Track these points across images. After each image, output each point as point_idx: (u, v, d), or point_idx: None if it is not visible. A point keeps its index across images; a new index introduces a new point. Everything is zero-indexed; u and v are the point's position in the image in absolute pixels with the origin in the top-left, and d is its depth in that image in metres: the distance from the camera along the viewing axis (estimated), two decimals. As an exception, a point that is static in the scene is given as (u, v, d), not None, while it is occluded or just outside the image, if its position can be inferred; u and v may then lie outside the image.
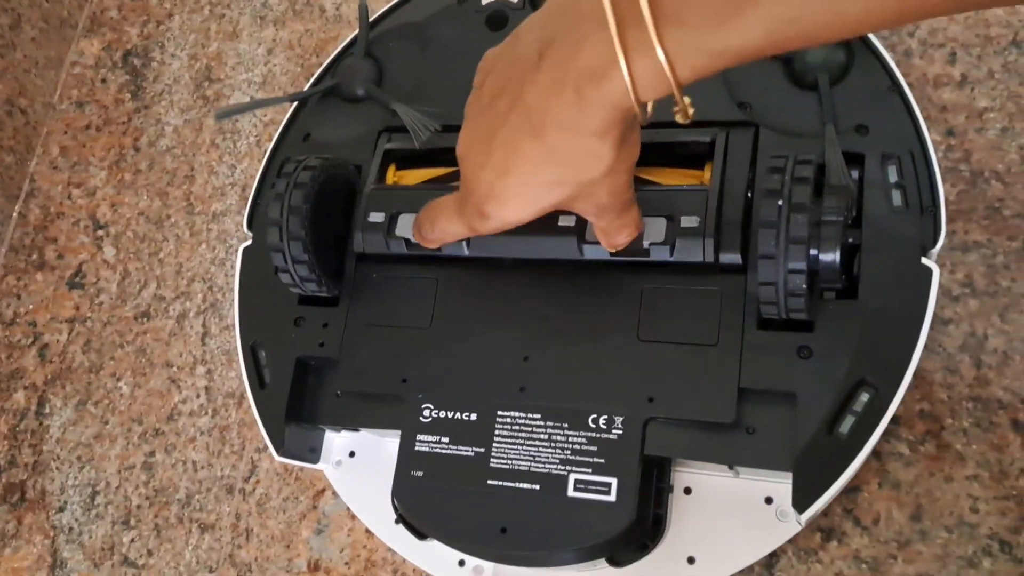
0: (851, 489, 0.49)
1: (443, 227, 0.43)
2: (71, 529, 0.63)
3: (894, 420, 0.49)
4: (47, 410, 0.68)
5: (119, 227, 0.72)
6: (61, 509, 0.64)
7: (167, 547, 0.60)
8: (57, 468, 0.65)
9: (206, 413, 0.63)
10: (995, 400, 0.49)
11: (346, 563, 0.56)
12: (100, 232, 0.73)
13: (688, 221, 0.44)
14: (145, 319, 0.68)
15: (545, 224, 0.43)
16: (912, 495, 0.48)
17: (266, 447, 0.60)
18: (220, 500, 0.60)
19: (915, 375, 0.50)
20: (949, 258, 0.52)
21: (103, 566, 0.61)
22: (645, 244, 0.44)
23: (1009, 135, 0.54)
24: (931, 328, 0.50)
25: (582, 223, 0.46)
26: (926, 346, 0.50)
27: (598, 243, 0.44)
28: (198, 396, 0.64)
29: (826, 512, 0.49)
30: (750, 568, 0.48)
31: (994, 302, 0.50)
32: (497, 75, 0.37)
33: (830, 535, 0.48)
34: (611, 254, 0.46)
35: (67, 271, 0.72)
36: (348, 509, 0.55)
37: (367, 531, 0.55)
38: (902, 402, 0.49)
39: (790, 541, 0.48)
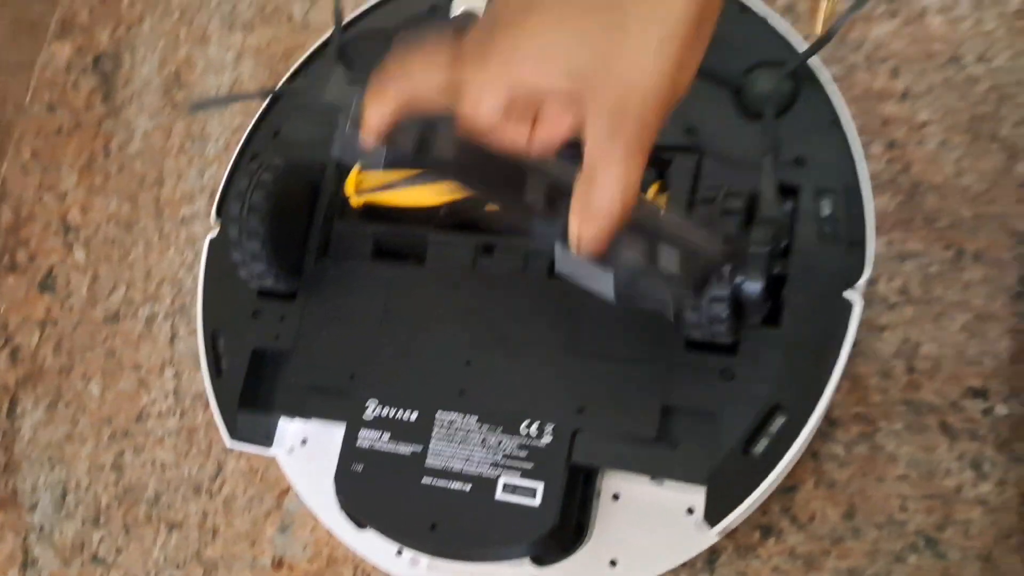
0: (788, 488, 0.51)
1: (416, 71, 0.33)
2: (42, 528, 0.65)
3: (830, 422, 0.52)
4: (18, 411, 0.69)
5: (89, 230, 0.74)
6: (32, 508, 0.66)
7: (136, 545, 0.62)
8: (28, 468, 0.67)
9: (174, 414, 0.65)
10: (926, 404, 0.51)
11: (309, 559, 0.58)
12: (71, 235, 0.74)
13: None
14: (114, 321, 0.70)
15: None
16: (846, 494, 0.50)
17: (233, 448, 0.62)
18: (187, 499, 0.62)
19: (851, 378, 0.52)
20: (887, 267, 0.54)
21: (73, 564, 0.63)
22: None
23: (946, 148, 0.56)
24: (867, 333, 0.53)
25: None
26: (862, 352, 0.53)
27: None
28: (166, 398, 0.66)
29: (764, 510, 0.51)
30: (692, 563, 0.50)
31: (928, 310, 0.53)
32: None
33: (768, 532, 0.51)
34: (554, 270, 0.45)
35: (38, 273, 0.74)
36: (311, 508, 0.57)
37: (330, 531, 0.57)
38: (838, 404, 0.52)
39: (729, 537, 0.51)
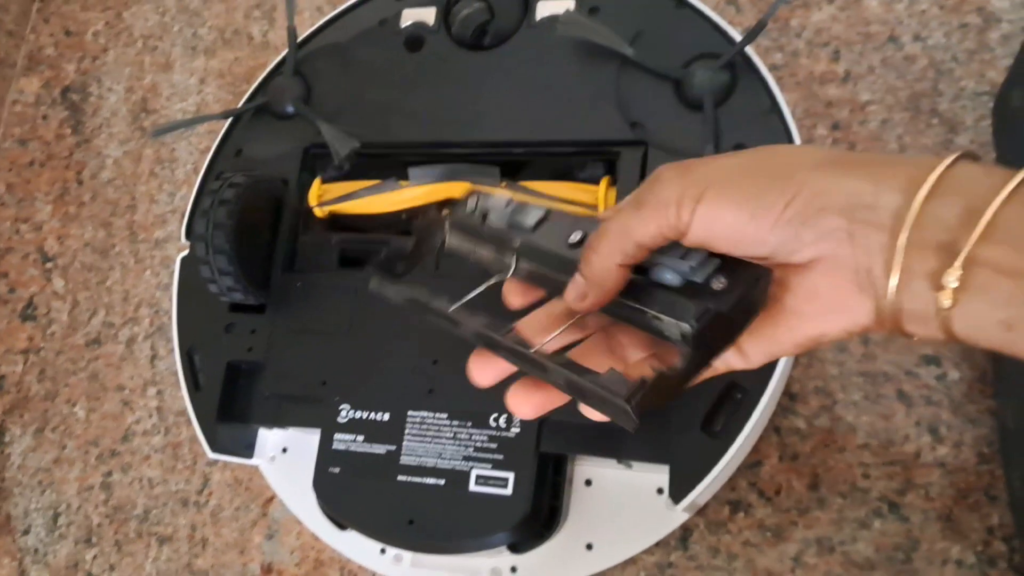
0: (754, 463, 0.53)
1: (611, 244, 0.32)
2: (36, 550, 0.66)
3: (790, 396, 0.53)
4: (7, 439, 0.70)
5: (67, 259, 0.75)
6: (26, 532, 0.67)
7: (128, 561, 0.63)
8: (20, 493, 0.68)
9: (159, 432, 0.66)
10: (882, 373, 0.53)
11: (296, 564, 0.59)
12: (49, 264, 0.76)
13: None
14: (96, 345, 0.71)
15: None
16: (809, 466, 0.52)
17: (217, 460, 0.64)
18: (176, 513, 0.63)
19: (809, 354, 0.54)
20: (837, 244, 0.56)
21: (68, 584, 0.64)
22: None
23: (889, 126, 0.58)
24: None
25: None
26: (817, 327, 0.54)
27: None
28: (150, 416, 0.67)
29: (732, 486, 0.53)
30: (666, 542, 0.52)
31: (879, 283, 0.54)
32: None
33: (737, 507, 0.52)
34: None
35: (19, 304, 0.75)
36: (296, 515, 0.59)
37: (315, 534, 0.58)
38: (797, 379, 0.53)
39: (701, 514, 0.52)
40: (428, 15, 0.60)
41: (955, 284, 0.26)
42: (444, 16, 0.59)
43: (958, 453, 0.50)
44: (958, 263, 0.26)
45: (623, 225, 0.31)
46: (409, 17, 0.60)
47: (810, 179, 0.28)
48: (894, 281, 0.27)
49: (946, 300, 0.26)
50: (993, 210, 0.25)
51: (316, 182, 0.57)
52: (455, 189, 0.54)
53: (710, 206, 0.29)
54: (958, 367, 0.52)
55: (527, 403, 0.34)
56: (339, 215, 0.57)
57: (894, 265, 0.27)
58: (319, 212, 0.57)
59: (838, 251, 0.28)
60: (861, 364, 0.53)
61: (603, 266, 0.32)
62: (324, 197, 0.57)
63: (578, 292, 0.33)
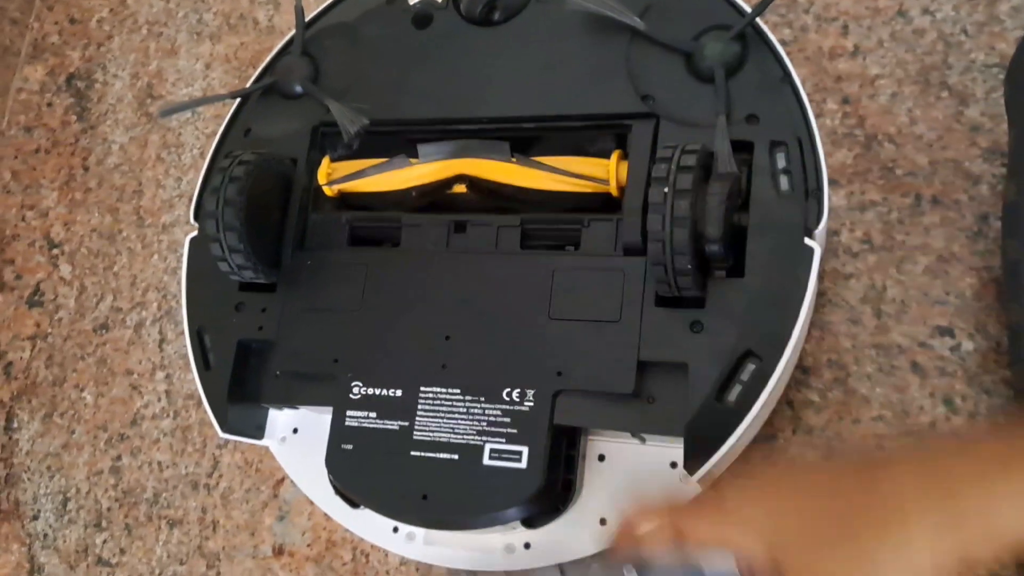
0: (768, 437, 0.53)
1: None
2: (46, 535, 0.66)
3: (803, 370, 0.53)
4: (15, 424, 0.70)
5: (73, 244, 0.75)
6: (35, 517, 0.67)
7: (139, 544, 0.63)
8: (29, 479, 0.68)
9: (168, 416, 0.66)
10: (895, 346, 0.53)
11: (308, 545, 0.59)
12: (55, 251, 0.75)
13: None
14: (104, 331, 0.71)
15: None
16: (824, 438, 0.52)
17: (227, 443, 0.63)
18: (186, 496, 0.63)
19: (821, 327, 0.54)
20: (848, 217, 0.56)
21: (79, 568, 0.64)
22: None
23: (898, 99, 0.58)
24: (834, 283, 0.54)
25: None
26: (830, 300, 0.54)
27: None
28: (159, 400, 0.67)
29: (746, 460, 0.52)
30: (680, 517, 0.52)
31: (891, 256, 0.54)
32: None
33: (751, 481, 0.52)
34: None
35: (26, 290, 0.75)
36: (307, 496, 0.59)
37: (326, 515, 0.58)
38: (810, 353, 0.53)
39: (714, 488, 0.52)
40: None
41: None
42: (453, -8, 0.59)
43: (974, 424, 0.50)
44: None
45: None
46: (417, -10, 0.60)
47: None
48: None
49: None
50: None
51: (325, 161, 0.57)
52: (465, 166, 0.54)
53: None
54: (972, 338, 0.52)
55: None
56: (349, 193, 0.57)
57: None
58: (328, 191, 0.57)
59: None
60: (874, 336, 0.53)
61: None
62: (333, 176, 0.57)
63: None
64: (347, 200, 0.58)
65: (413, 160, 0.55)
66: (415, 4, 0.60)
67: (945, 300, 0.53)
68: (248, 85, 0.62)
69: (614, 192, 0.51)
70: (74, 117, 0.80)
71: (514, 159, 0.53)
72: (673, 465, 0.50)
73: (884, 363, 0.52)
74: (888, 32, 0.59)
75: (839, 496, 0.35)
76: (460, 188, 0.54)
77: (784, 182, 0.48)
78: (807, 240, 0.46)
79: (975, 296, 0.52)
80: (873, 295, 0.54)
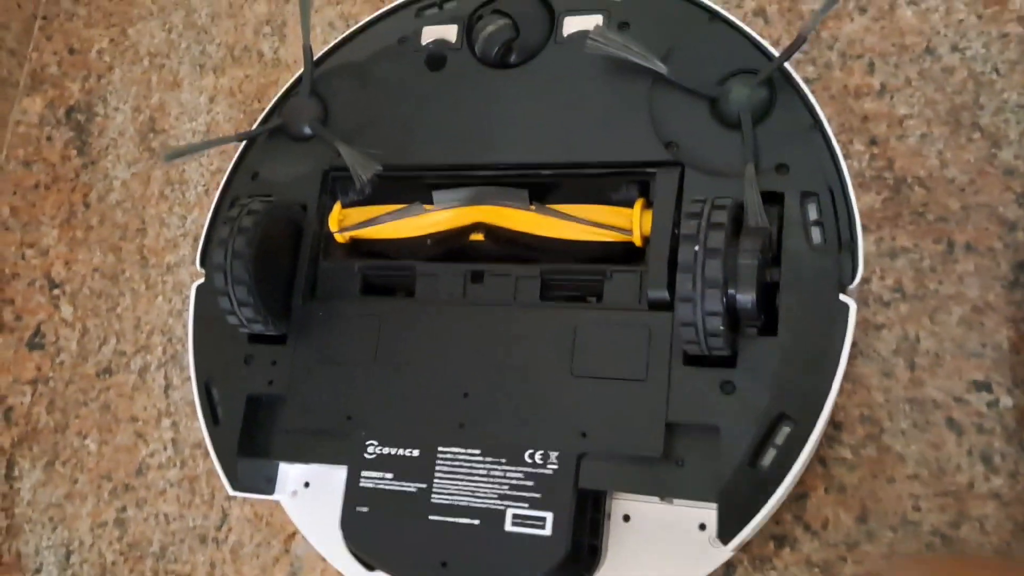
0: (799, 496, 0.51)
1: None
2: (48, 590, 0.64)
3: (835, 426, 0.51)
4: (16, 473, 0.68)
5: (75, 285, 0.73)
6: (37, 571, 0.65)
7: (145, 601, 0.61)
8: (30, 530, 0.66)
9: (174, 465, 0.64)
10: (930, 400, 0.51)
11: (321, 604, 0.57)
12: (56, 291, 0.74)
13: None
14: (107, 375, 0.69)
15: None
16: (857, 498, 0.50)
17: (236, 496, 0.61)
18: (194, 550, 0.61)
19: (852, 380, 0.52)
20: (878, 264, 0.54)
21: (83, 625, 0.62)
22: None
23: (928, 140, 0.56)
24: (865, 334, 0.53)
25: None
26: (861, 352, 0.52)
27: None
28: (165, 448, 0.65)
29: (777, 520, 0.51)
30: (709, 580, 0.50)
31: (923, 305, 0.53)
32: None
33: (783, 542, 0.50)
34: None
35: (26, 332, 0.73)
36: (319, 551, 0.57)
37: (340, 573, 0.56)
38: (841, 407, 0.51)
39: (744, 550, 0.50)
40: (450, 32, 0.58)
41: None
42: (467, 33, 0.57)
43: (1014, 483, 0.48)
44: None
45: None
46: (430, 35, 0.58)
47: None
48: None
49: None
50: None
51: (336, 207, 0.55)
52: (482, 213, 0.52)
53: None
54: (1010, 392, 0.50)
55: None
56: (361, 240, 0.55)
57: None
58: (340, 238, 0.55)
59: None
60: (908, 390, 0.51)
61: None
62: (345, 222, 0.55)
63: None
64: (359, 247, 0.56)
65: (428, 207, 0.53)
66: (428, 44, 0.58)
67: (981, 353, 0.51)
68: (255, 126, 0.60)
69: (637, 242, 0.49)
70: (74, 151, 0.78)
71: (533, 207, 0.52)
72: (702, 527, 0.48)
73: (919, 419, 0.51)
74: (916, 70, 0.58)
75: None
76: (477, 236, 0.53)
77: (816, 234, 0.46)
78: (842, 296, 0.44)
79: (1012, 348, 0.51)
80: (906, 347, 0.52)
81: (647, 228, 0.49)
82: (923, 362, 0.51)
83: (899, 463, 0.50)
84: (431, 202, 0.53)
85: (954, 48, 0.57)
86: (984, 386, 0.50)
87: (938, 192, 0.55)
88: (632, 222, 0.49)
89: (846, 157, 0.57)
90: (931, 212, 0.54)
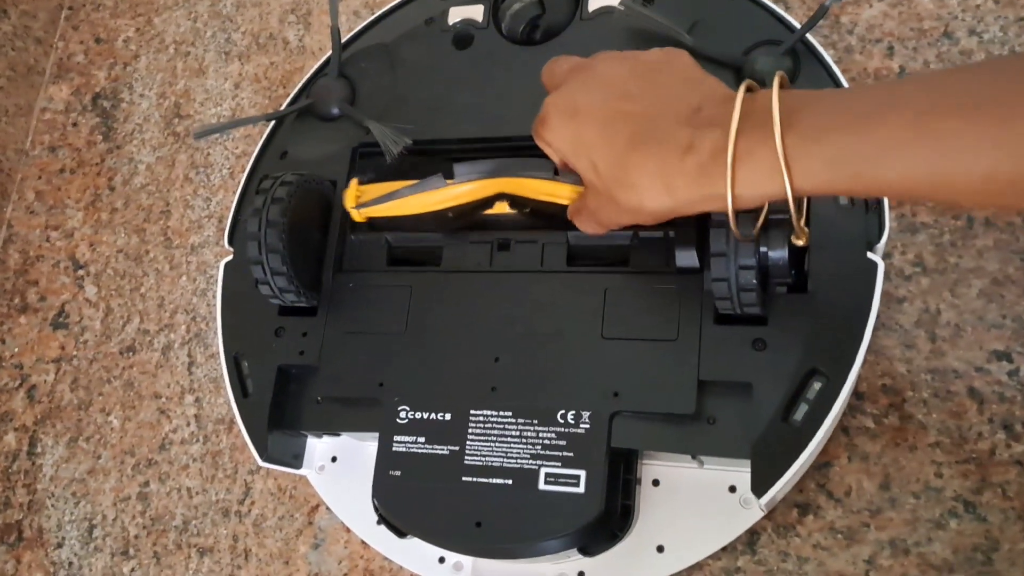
0: (822, 464, 0.51)
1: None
2: (71, 564, 0.64)
3: (858, 396, 0.52)
4: (39, 449, 0.69)
5: (99, 265, 0.74)
6: (59, 545, 0.65)
7: (167, 573, 0.61)
8: (53, 505, 0.67)
9: (197, 440, 0.65)
10: (951, 370, 0.51)
11: (345, 574, 0.57)
12: (80, 272, 0.74)
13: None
14: (131, 353, 0.69)
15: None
16: (880, 465, 0.51)
17: (259, 468, 0.62)
18: (217, 524, 0.62)
19: (875, 351, 0.52)
20: (900, 240, 0.55)
21: (105, 597, 0.62)
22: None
23: (947, 120, 0.57)
24: (887, 307, 0.53)
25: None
26: (884, 324, 0.53)
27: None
28: (188, 424, 0.65)
29: (800, 488, 0.51)
30: (732, 546, 0.50)
31: (944, 279, 0.53)
32: (635, 82, 0.42)
33: (806, 510, 0.51)
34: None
35: (50, 312, 0.74)
36: (343, 523, 0.57)
37: (363, 542, 0.56)
38: (864, 378, 0.52)
39: (768, 518, 0.51)
40: (476, 12, 0.59)
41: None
42: (493, 12, 0.59)
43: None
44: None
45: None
46: (457, 15, 0.59)
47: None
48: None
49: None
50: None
51: (353, 184, 0.54)
52: (505, 185, 0.53)
53: None
54: (1031, 363, 0.50)
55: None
56: (380, 219, 0.55)
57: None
58: (357, 215, 0.54)
59: None
60: (929, 361, 0.52)
61: None
62: (363, 199, 0.55)
63: None
64: (377, 225, 0.56)
65: (449, 181, 0.54)
66: (455, 24, 0.59)
67: (1001, 324, 0.52)
68: (283, 107, 0.61)
69: None
70: (100, 137, 0.79)
71: (556, 177, 0.52)
72: (732, 489, 0.49)
73: (940, 388, 0.51)
74: (934, 53, 0.59)
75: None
76: (502, 206, 0.53)
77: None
78: (869, 254, 0.45)
79: (1032, 320, 0.51)
80: (927, 319, 0.53)
81: None
82: (944, 333, 0.52)
83: (921, 431, 0.51)
84: (451, 175, 0.54)
85: (972, 32, 0.58)
86: (1004, 356, 0.51)
87: (957, 170, 0.55)
88: None
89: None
90: (950, 189, 0.55)
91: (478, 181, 0.53)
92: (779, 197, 0.36)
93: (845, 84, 0.49)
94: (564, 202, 0.52)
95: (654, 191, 0.39)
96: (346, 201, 0.54)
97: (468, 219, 0.54)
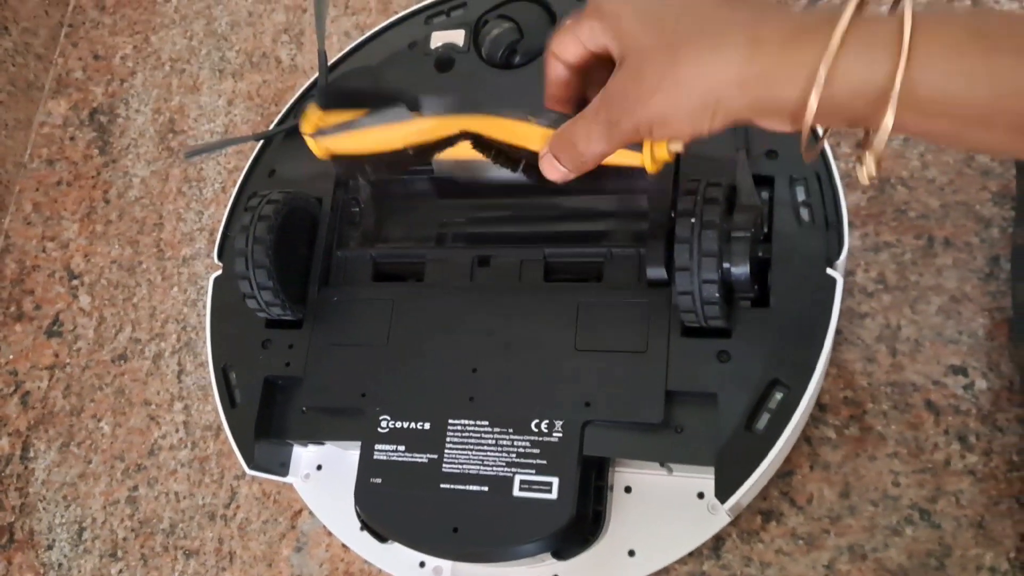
0: (786, 473, 0.53)
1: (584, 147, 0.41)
2: (60, 565, 0.66)
3: (820, 407, 0.54)
4: (31, 454, 0.71)
5: (93, 276, 0.76)
6: (50, 547, 0.67)
7: (154, 575, 0.63)
8: (44, 508, 0.68)
9: (185, 446, 0.67)
10: (910, 383, 0.53)
11: (326, 577, 0.59)
12: (75, 282, 0.76)
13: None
14: (122, 361, 0.71)
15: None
16: (840, 474, 0.53)
17: (244, 474, 0.64)
18: (203, 527, 0.63)
19: (837, 365, 0.55)
20: (863, 258, 0.57)
21: (93, 598, 0.64)
22: None
23: (911, 144, 0.59)
24: (849, 322, 0.56)
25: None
26: (846, 339, 0.55)
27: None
28: (177, 431, 0.67)
29: (764, 495, 0.53)
30: (699, 551, 0.52)
31: (905, 296, 0.56)
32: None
33: (769, 516, 0.53)
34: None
35: (45, 320, 0.76)
36: (325, 527, 0.59)
37: (344, 546, 0.58)
38: (827, 390, 0.54)
39: (733, 524, 0.53)
40: (457, 37, 0.61)
41: None
42: (474, 37, 0.61)
43: (988, 461, 0.51)
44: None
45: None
46: (439, 39, 0.62)
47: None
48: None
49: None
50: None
51: (312, 106, 0.51)
52: (472, 123, 0.49)
53: None
54: (985, 376, 0.53)
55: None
56: (341, 156, 0.52)
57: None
58: (317, 149, 0.52)
59: None
60: (889, 374, 0.54)
61: None
62: (323, 123, 0.51)
63: None
64: (336, 159, 0.53)
65: (414, 113, 0.50)
66: (437, 48, 0.62)
67: (958, 339, 0.54)
68: (271, 127, 0.64)
69: (649, 168, 0.44)
70: (96, 151, 0.81)
71: (531, 119, 0.47)
72: (700, 496, 0.51)
73: (899, 400, 0.53)
74: None
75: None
76: (465, 148, 0.49)
77: (805, 214, 0.49)
78: (829, 270, 0.47)
79: (987, 336, 0.53)
80: (888, 334, 0.55)
81: (660, 154, 0.44)
82: (904, 348, 0.54)
83: (880, 442, 0.53)
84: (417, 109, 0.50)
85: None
86: (961, 370, 0.53)
87: (919, 191, 0.58)
88: (644, 154, 0.48)
89: (835, 159, 0.61)
90: (912, 210, 0.58)
91: (446, 117, 0.50)
92: (874, 101, 0.31)
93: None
94: (533, 148, 0.47)
95: (731, 48, 0.33)
96: (304, 126, 0.51)
97: (427, 157, 0.51)
